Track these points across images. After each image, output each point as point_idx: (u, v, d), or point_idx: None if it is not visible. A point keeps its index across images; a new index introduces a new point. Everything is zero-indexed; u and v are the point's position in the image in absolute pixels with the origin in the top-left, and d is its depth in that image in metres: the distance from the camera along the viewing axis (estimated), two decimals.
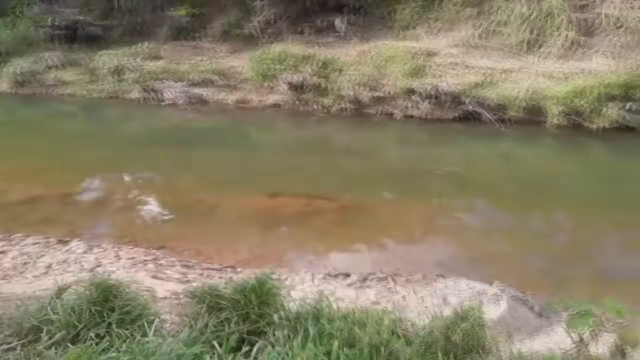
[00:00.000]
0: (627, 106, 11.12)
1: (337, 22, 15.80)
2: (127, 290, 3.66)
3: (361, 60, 14.15)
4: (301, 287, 5.87)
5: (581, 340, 3.77)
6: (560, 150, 11.15)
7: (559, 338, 4.19)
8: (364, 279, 6.17)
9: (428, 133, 12.23)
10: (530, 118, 11.94)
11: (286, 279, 6.02)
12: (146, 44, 16.91)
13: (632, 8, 13.18)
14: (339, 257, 6.84)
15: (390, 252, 7.13)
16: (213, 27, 17.24)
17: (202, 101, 15.05)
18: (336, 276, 6.25)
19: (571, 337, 3.87)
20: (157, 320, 3.52)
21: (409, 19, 15.35)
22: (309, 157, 10.79)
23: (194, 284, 4.57)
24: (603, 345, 3.90)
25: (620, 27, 13.07)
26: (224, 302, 3.64)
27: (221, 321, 3.48)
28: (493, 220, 8.11)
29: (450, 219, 8.07)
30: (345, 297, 5.67)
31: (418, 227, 7.74)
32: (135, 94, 15.43)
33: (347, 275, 6.24)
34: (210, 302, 3.66)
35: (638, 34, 12.84)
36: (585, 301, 3.89)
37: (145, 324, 3.32)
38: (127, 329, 3.26)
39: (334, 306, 3.95)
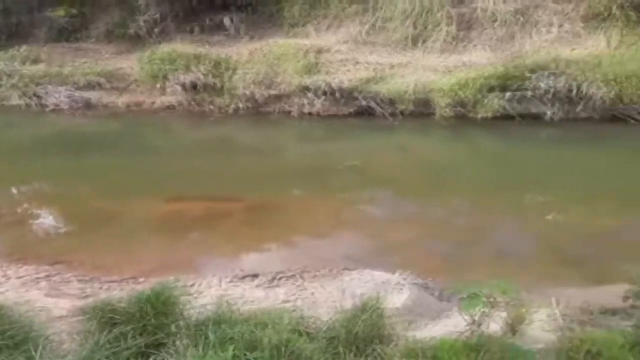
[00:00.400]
0: (506, 96, 11.72)
1: (226, 20, 15.56)
2: (10, 312, 3.43)
3: (254, 59, 14.00)
4: (208, 292, 5.74)
5: (473, 321, 3.94)
6: (450, 140, 11.70)
7: (458, 320, 4.32)
8: (273, 279, 6.12)
9: (325, 129, 12.37)
10: (420, 111, 12.34)
11: (192, 285, 5.85)
12: (24, 47, 15.80)
13: (504, 2, 13.88)
14: (247, 259, 6.76)
15: (299, 249, 7.15)
16: (96, 28, 16.40)
17: (90, 105, 14.33)
18: (244, 278, 6.16)
19: (464, 319, 4.05)
20: (47, 341, 3.33)
21: (298, 16, 15.37)
22: (210, 159, 10.61)
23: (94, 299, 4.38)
24: (495, 324, 4.10)
25: (495, 21, 13.70)
26: (118, 317, 3.48)
27: (116, 337, 3.32)
28: (395, 210, 8.34)
29: (355, 212, 8.22)
30: (254, 298, 5.64)
31: (324, 223, 7.79)
32: (15, 100, 14.42)
33: (255, 276, 6.16)
34: (103, 317, 3.49)
35: (511, 27, 13.55)
36: (475, 283, 4.05)
37: (31, 348, 3.09)
38: (11, 355, 3.04)
39: (239, 309, 3.91)
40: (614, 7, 12.90)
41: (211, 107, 13.58)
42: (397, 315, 5.29)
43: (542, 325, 4.90)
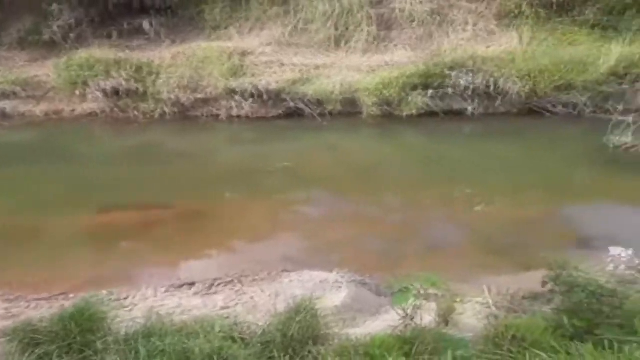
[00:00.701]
0: (429, 94, 11.97)
1: (146, 24, 15.04)
2: None
3: (177, 63, 13.60)
4: (144, 304, 5.55)
5: (406, 314, 3.96)
6: (379, 138, 11.82)
7: (396, 315, 4.30)
8: (210, 286, 5.98)
9: (255, 131, 12.18)
10: (348, 110, 12.42)
11: (126, 298, 5.69)
12: None
13: (420, 3, 14.17)
14: (183, 267, 6.56)
15: (236, 254, 7.01)
16: (8, 35, 15.43)
17: (4, 115, 13.56)
18: (181, 287, 5.98)
19: (398, 313, 4.06)
20: None
21: (219, 19, 15.06)
22: (138, 166, 10.23)
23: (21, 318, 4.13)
24: (429, 316, 4.14)
25: (413, 21, 13.98)
26: (40, 337, 3.27)
27: (39, 358, 3.12)
28: (330, 209, 8.31)
29: (291, 213, 8.14)
30: (192, 307, 5.52)
31: (261, 226, 7.67)
32: None
33: (192, 284, 6.00)
34: (24, 338, 3.26)
35: (429, 27, 13.85)
36: (405, 278, 4.07)
37: None
38: None
39: (172, 320, 3.79)
40: (524, 5, 13.45)
41: (136, 113, 13.10)
42: (337, 313, 5.33)
43: (476, 313, 5.02)
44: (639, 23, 12.56)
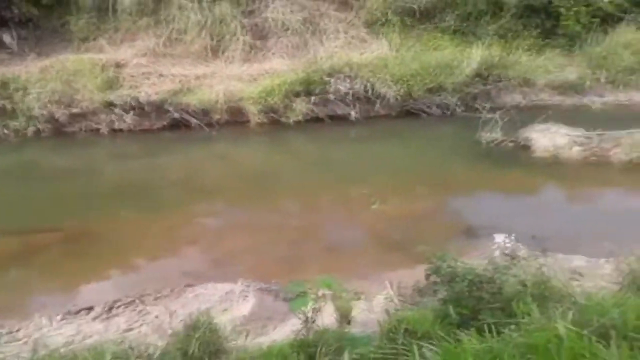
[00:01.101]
0: (312, 100, 12.07)
1: (7, 37, 13.76)
2: None
3: (46, 77, 12.51)
4: (39, 334, 5.14)
5: (307, 318, 3.94)
6: (269, 145, 11.71)
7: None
8: (110, 308, 5.62)
9: (141, 145, 11.53)
10: (235, 119, 12.18)
11: (18, 330, 5.22)
12: None
13: (292, 12, 14.28)
14: (78, 291, 6.11)
15: (135, 272, 6.65)
16: None
17: None
18: (78, 312, 5.57)
19: (298, 317, 4.04)
20: None
21: (87, 31, 14.10)
22: (15, 188, 9.33)
23: None
24: (330, 317, 4.15)
25: (287, 29, 14.04)
26: None
27: None
28: (228, 219, 8.11)
29: (189, 226, 7.81)
30: (92, 332, 5.20)
31: (158, 241, 7.30)
32: None
33: (90, 308, 5.60)
34: None
35: (303, 35, 13.97)
36: (302, 282, 4.05)
37: None
38: None
39: (59, 350, 3.51)
40: (390, 14, 14.01)
41: (5, 131, 11.81)
42: (246, 323, 5.23)
43: (380, 309, 5.09)
44: (494, 28, 13.59)
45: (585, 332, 3.11)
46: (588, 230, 6.98)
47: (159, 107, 12.09)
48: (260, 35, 14.17)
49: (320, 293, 4.09)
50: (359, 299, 5.53)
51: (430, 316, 4.04)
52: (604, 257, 5.69)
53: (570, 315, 3.37)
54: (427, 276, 4.54)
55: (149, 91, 12.23)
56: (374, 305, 5.38)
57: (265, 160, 10.94)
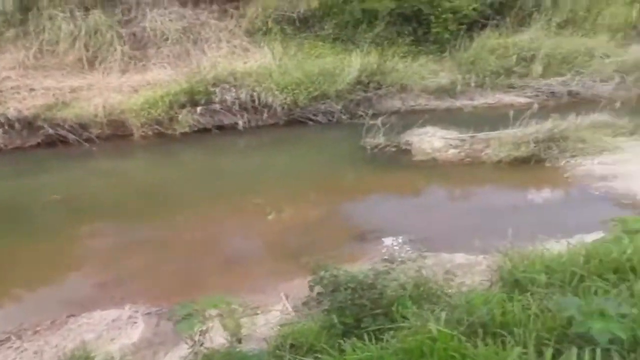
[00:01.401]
0: (198, 111, 11.71)
1: None
2: None
3: None
4: None
5: (194, 341, 3.82)
6: (156, 158, 11.11)
7: None
8: None
9: (13, 164, 10.37)
10: (116, 134, 11.52)
11: None
12: None
13: (171, 21, 13.82)
14: None
15: (10, 306, 6.07)
16: None
17: None
18: None
19: (185, 341, 3.92)
20: None
21: None
22: None
23: None
24: (220, 337, 4.06)
25: (167, 39, 13.56)
26: None
27: None
28: (118, 239, 7.58)
29: (73, 250, 7.24)
30: None
31: (38, 269, 6.67)
32: None
33: None
34: None
35: (184, 45, 13.57)
36: (188, 303, 3.95)
37: None
38: None
39: None
40: (270, 23, 13.97)
41: None
42: (136, 351, 4.96)
43: (276, 322, 5.00)
44: (371, 36, 13.93)
45: (455, 332, 3.22)
46: (469, 227, 7.19)
47: (31, 124, 11.11)
48: (139, 45, 13.55)
49: (207, 313, 3.93)
50: (256, 314, 5.39)
51: (316, 328, 4.05)
52: (482, 253, 5.83)
53: (443, 315, 3.47)
54: (311, 287, 4.51)
55: (19, 106, 11.23)
56: (270, 319, 5.26)
57: (152, 174, 10.36)
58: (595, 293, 3.66)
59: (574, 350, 2.96)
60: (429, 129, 10.58)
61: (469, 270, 5.62)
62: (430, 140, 10.23)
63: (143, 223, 7.99)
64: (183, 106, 11.70)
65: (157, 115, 11.42)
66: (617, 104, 10.94)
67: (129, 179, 10.11)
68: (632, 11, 14.93)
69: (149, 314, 5.42)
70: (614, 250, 4.26)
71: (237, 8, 14.66)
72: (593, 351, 2.91)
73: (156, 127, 11.53)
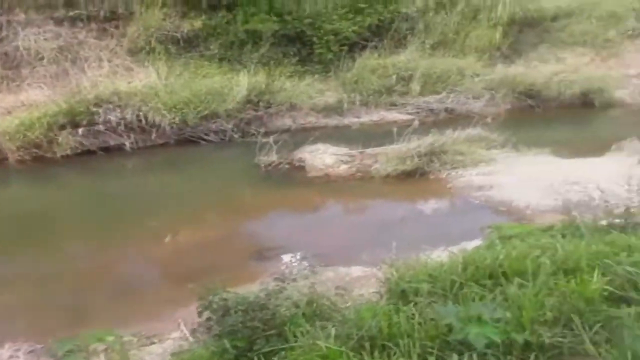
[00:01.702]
0: (80, 132, 11.03)
1: None
2: None
3: None
4: None
5: None
6: (35, 184, 10.20)
7: None
8: None
9: None
10: None
11: None
12: None
13: (46, 40, 13.04)
14: None
15: None
16: None
17: None
18: None
19: None
20: None
21: None
22: None
23: None
24: None
25: (43, 58, 12.77)
26: None
27: None
28: None
29: None
30: None
31: None
32: None
33: None
34: None
35: (62, 64, 12.83)
36: (70, 338, 3.75)
37: None
38: None
39: None
40: (153, 42, 13.57)
41: None
42: None
43: (172, 351, 4.79)
44: (257, 56, 13.94)
45: (344, 347, 3.25)
46: (363, 240, 7.33)
47: None
48: (11, 65, 12.66)
49: (92, 348, 3.67)
50: (152, 343, 5.11)
51: (207, 355, 3.93)
52: (376, 265, 5.84)
53: (333, 331, 3.51)
54: (199, 313, 4.34)
55: None
56: (167, 347, 5.02)
57: (32, 200, 9.49)
58: (474, 299, 3.79)
59: (455, 357, 3.07)
60: (320, 146, 10.69)
61: (365, 282, 5.66)
62: (322, 157, 10.35)
63: (22, 255, 7.32)
64: (63, 127, 10.94)
65: (34, 138, 10.58)
66: (489, 119, 11.72)
67: (4, 206, 9.15)
68: (495, 34, 16.11)
69: (32, 351, 5.00)
70: (488, 257, 4.44)
71: (117, 27, 14.07)
72: (471, 357, 3.02)
73: (34, 150, 10.66)
